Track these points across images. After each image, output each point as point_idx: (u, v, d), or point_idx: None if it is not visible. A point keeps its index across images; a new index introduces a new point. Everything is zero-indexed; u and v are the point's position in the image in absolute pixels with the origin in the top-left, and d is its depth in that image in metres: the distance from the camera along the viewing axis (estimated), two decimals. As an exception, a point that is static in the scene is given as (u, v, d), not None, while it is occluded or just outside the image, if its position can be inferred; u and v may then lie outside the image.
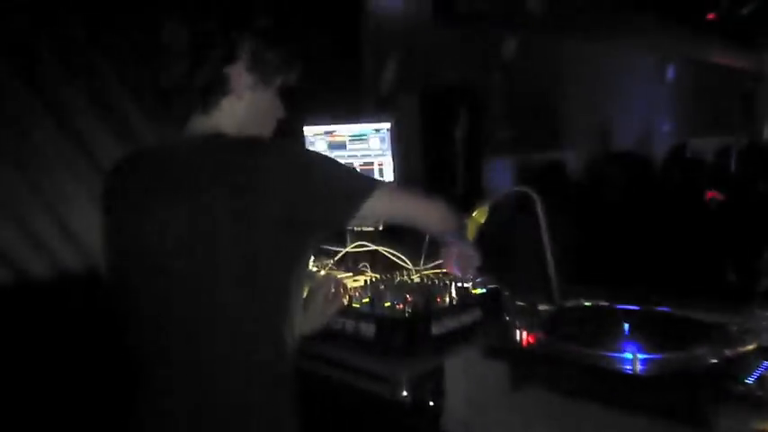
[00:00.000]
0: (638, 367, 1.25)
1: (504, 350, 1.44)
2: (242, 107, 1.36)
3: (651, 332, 1.40)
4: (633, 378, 1.24)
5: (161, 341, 1.30)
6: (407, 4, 4.66)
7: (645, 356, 1.26)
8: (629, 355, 1.27)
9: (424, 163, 3.91)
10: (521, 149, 5.86)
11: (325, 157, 1.39)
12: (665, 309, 1.64)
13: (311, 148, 2.77)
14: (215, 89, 1.33)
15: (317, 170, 1.29)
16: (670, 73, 9.18)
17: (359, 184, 1.34)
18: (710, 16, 7.54)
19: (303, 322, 1.61)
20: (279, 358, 1.32)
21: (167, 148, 1.39)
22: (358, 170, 1.38)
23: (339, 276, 2.44)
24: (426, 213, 1.49)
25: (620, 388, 1.26)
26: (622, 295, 2.01)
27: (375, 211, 1.35)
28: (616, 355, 1.30)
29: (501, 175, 5.08)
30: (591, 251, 2.97)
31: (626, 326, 1.45)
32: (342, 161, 2.77)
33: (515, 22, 5.83)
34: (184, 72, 1.31)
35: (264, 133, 1.44)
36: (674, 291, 1.76)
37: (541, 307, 2.06)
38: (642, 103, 8.53)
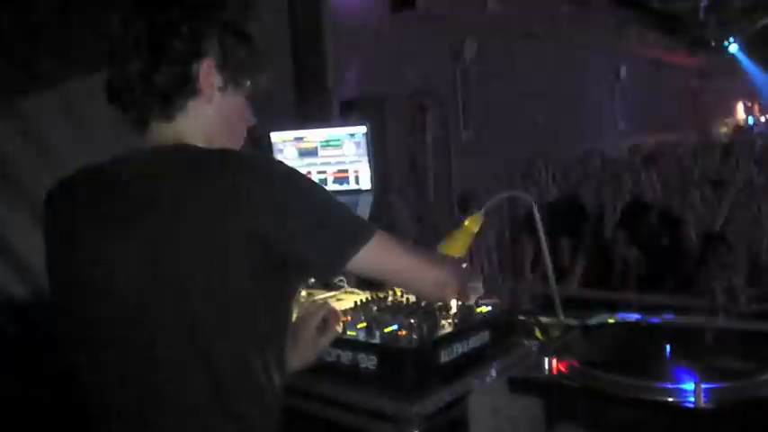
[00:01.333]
0: (702, 399, 1.07)
1: (536, 383, 1.25)
2: (210, 111, 1.15)
3: (700, 353, 1.24)
4: (699, 413, 1.06)
5: (110, 394, 1.09)
6: (367, 5, 4.49)
7: (709, 386, 1.09)
8: (689, 386, 1.09)
9: (392, 171, 3.74)
10: (484, 151, 5.75)
11: (317, 185, 1.17)
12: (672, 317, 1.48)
13: (291, 166, 2.55)
14: (179, 90, 1.11)
15: (307, 201, 1.08)
16: (623, 72, 9.26)
17: (355, 228, 1.11)
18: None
19: (292, 356, 1.41)
20: (259, 410, 1.12)
21: (119, 164, 1.15)
22: (350, 209, 1.15)
23: (322, 296, 2.23)
24: (421, 279, 1.25)
25: (682, 425, 1.08)
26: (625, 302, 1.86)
27: (365, 263, 1.12)
28: (672, 386, 1.12)
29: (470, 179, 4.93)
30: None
31: (668, 347, 1.28)
32: (314, 169, 2.61)
33: (475, 23, 5.74)
34: (142, 69, 1.08)
35: (235, 144, 1.22)
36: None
37: (544, 320, 1.90)
38: (597, 102, 8.57)
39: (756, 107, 12.91)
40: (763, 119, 12.99)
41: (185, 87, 1.11)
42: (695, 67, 12.11)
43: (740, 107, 12.78)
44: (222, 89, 1.16)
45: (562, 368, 1.27)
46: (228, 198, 1.02)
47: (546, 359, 1.29)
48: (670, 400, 1.10)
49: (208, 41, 1.12)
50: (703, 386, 1.07)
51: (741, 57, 11.45)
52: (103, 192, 1.11)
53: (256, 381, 1.10)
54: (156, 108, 1.12)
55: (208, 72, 1.12)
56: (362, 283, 2.18)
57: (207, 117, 1.16)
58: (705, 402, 1.07)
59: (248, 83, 1.22)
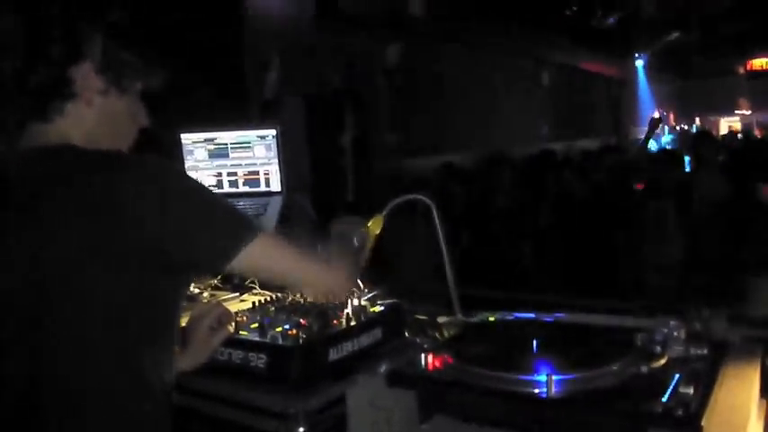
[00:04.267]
0: (553, 389, 1.17)
1: (410, 377, 1.32)
2: (91, 114, 1.16)
3: (562, 348, 1.34)
4: (548, 402, 1.16)
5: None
6: (289, 5, 4.50)
7: (559, 377, 1.18)
8: (542, 377, 1.19)
9: (312, 170, 3.77)
10: (407, 154, 5.85)
11: (202, 185, 1.19)
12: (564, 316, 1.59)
13: (188, 172, 2.53)
14: (56, 92, 1.11)
15: (190, 199, 1.11)
16: (545, 78, 9.58)
17: (239, 226, 1.15)
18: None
19: (184, 357, 1.44)
20: (151, 407, 1.15)
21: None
22: (236, 209, 1.19)
23: (224, 297, 2.24)
24: (310, 279, 1.33)
25: (535, 413, 1.17)
26: (523, 301, 1.95)
27: (251, 261, 1.15)
28: (528, 377, 1.21)
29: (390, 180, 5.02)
30: (482, 256, 2.95)
31: (535, 342, 1.38)
32: (224, 170, 2.62)
33: (398, 27, 5.82)
34: (16, 69, 1.08)
35: (121, 145, 1.23)
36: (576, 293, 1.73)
37: (441, 319, 1.97)
38: (520, 106, 8.82)
39: (671, 116, 13.56)
40: (677, 128, 13.64)
41: (62, 90, 1.11)
42: (616, 77, 12.64)
43: (656, 116, 13.38)
44: (104, 92, 1.16)
45: (437, 363, 1.35)
46: (109, 200, 1.03)
47: (422, 355, 1.36)
48: (526, 390, 1.20)
49: (88, 44, 1.12)
50: (554, 377, 1.17)
51: (641, 73, 12.21)
52: None
53: (146, 378, 1.13)
54: (31, 109, 1.12)
55: (86, 76, 1.13)
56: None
57: (87, 120, 1.16)
58: (555, 392, 1.16)
59: (137, 85, 1.22)
